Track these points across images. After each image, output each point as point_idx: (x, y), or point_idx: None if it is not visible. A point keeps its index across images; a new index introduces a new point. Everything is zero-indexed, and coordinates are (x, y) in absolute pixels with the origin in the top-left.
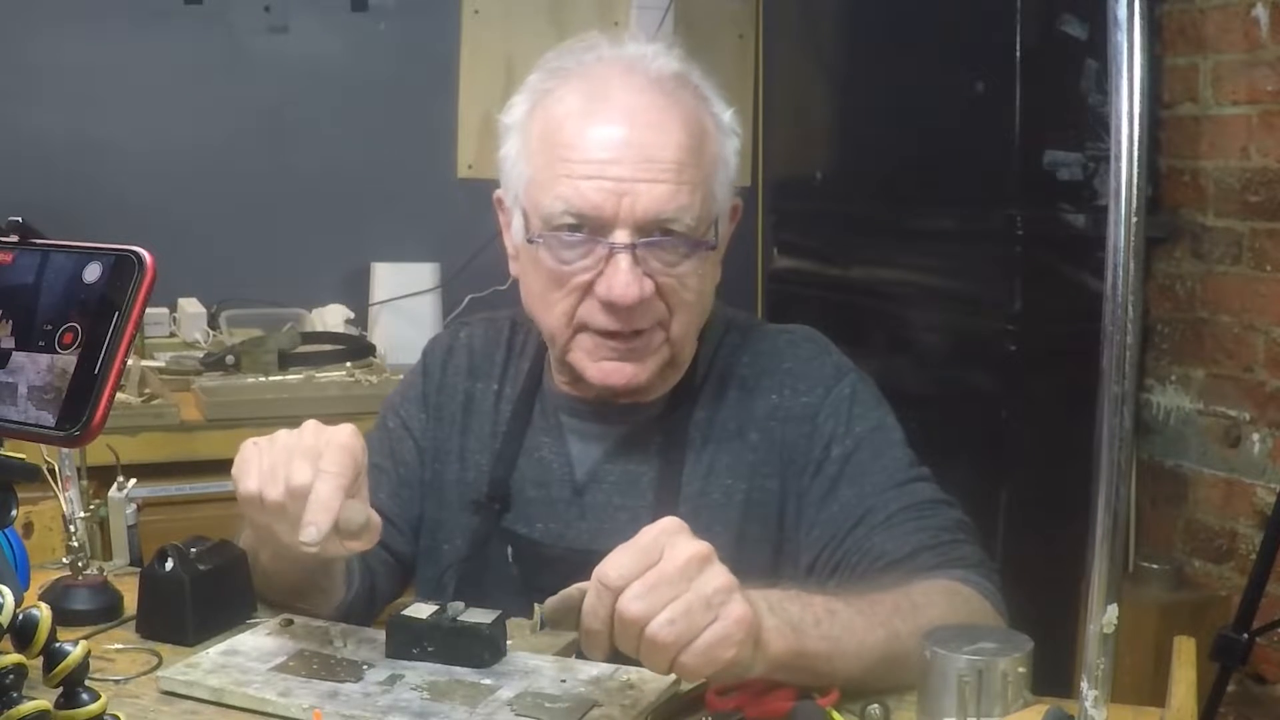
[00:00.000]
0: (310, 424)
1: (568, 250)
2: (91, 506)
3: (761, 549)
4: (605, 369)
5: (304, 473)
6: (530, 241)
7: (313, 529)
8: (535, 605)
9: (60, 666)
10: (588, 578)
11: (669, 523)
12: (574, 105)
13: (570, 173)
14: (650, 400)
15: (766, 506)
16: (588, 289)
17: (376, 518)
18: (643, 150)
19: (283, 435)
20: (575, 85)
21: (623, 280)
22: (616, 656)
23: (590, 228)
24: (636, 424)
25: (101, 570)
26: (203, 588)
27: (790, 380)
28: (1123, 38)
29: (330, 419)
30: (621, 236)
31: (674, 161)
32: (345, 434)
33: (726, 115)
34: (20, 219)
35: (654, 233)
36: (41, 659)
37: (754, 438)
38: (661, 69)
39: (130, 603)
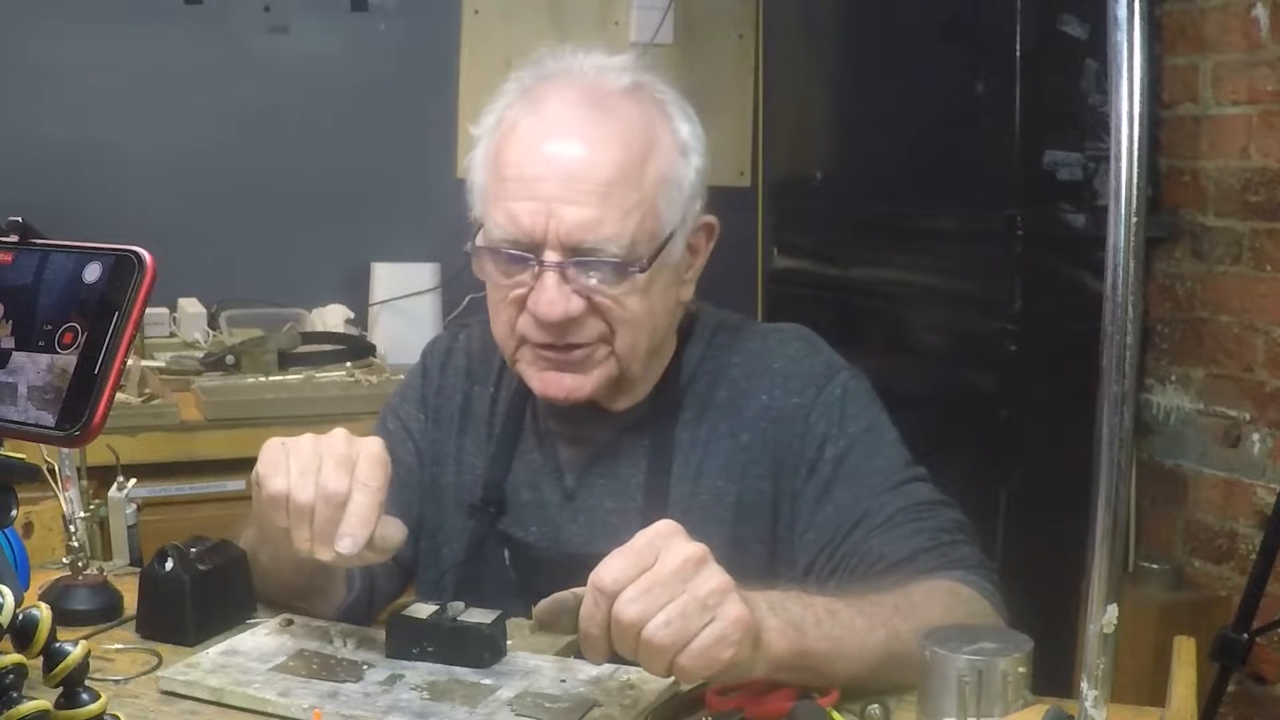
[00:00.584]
0: (340, 431)
1: (506, 264)
2: (91, 506)
3: (755, 550)
4: (546, 379)
5: (340, 480)
6: (467, 252)
7: (349, 540)
8: (534, 608)
9: (60, 666)
10: (583, 581)
11: (664, 525)
12: (517, 121)
13: (506, 193)
14: (634, 404)
15: (759, 508)
16: (523, 303)
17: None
18: (570, 168)
19: (310, 438)
20: (521, 101)
21: (548, 298)
22: (616, 658)
23: (523, 245)
24: (623, 427)
25: (101, 570)
26: (203, 588)
27: (781, 380)
28: (1123, 38)
29: (330, 419)
30: (551, 255)
31: (603, 182)
32: (376, 446)
33: (686, 131)
34: (20, 219)
35: (581, 254)
36: (41, 659)
37: (745, 438)
38: (608, 83)
39: (130, 603)
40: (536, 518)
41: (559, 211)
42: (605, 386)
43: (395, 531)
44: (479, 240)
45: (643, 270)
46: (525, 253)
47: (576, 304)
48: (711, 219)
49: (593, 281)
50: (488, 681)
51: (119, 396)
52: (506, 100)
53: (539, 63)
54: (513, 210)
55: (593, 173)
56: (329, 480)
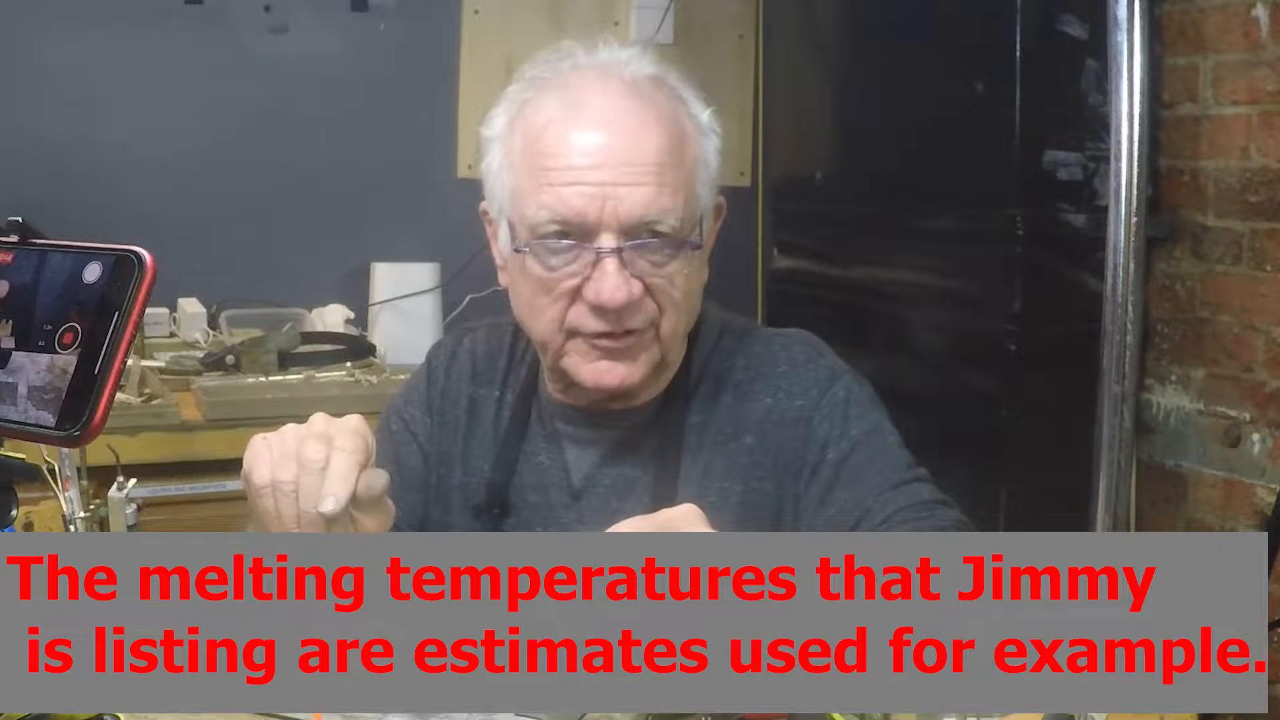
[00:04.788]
0: (318, 415)
1: (555, 257)
2: (91, 506)
3: None
4: (599, 369)
5: (318, 450)
6: (518, 251)
7: (331, 500)
8: None
9: None
10: None
11: (689, 507)
12: (552, 113)
13: (552, 180)
14: (642, 404)
15: (762, 509)
16: (576, 294)
17: (391, 505)
18: (623, 154)
19: (290, 427)
20: (552, 94)
21: (610, 284)
22: None
23: (575, 234)
24: (630, 428)
25: None
26: None
27: (785, 383)
28: (1123, 38)
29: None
30: (607, 240)
31: (655, 163)
32: (354, 420)
33: (705, 115)
34: (20, 219)
35: (639, 235)
36: None
37: (749, 440)
38: (636, 73)
39: None
40: (543, 519)
41: (616, 194)
42: (651, 373)
43: (376, 479)
44: (513, 244)
45: (697, 247)
46: (580, 242)
47: (637, 288)
48: (720, 199)
49: (646, 264)
50: None
51: (119, 396)
52: (523, 97)
53: (563, 55)
54: (563, 195)
55: (645, 156)
56: (306, 451)
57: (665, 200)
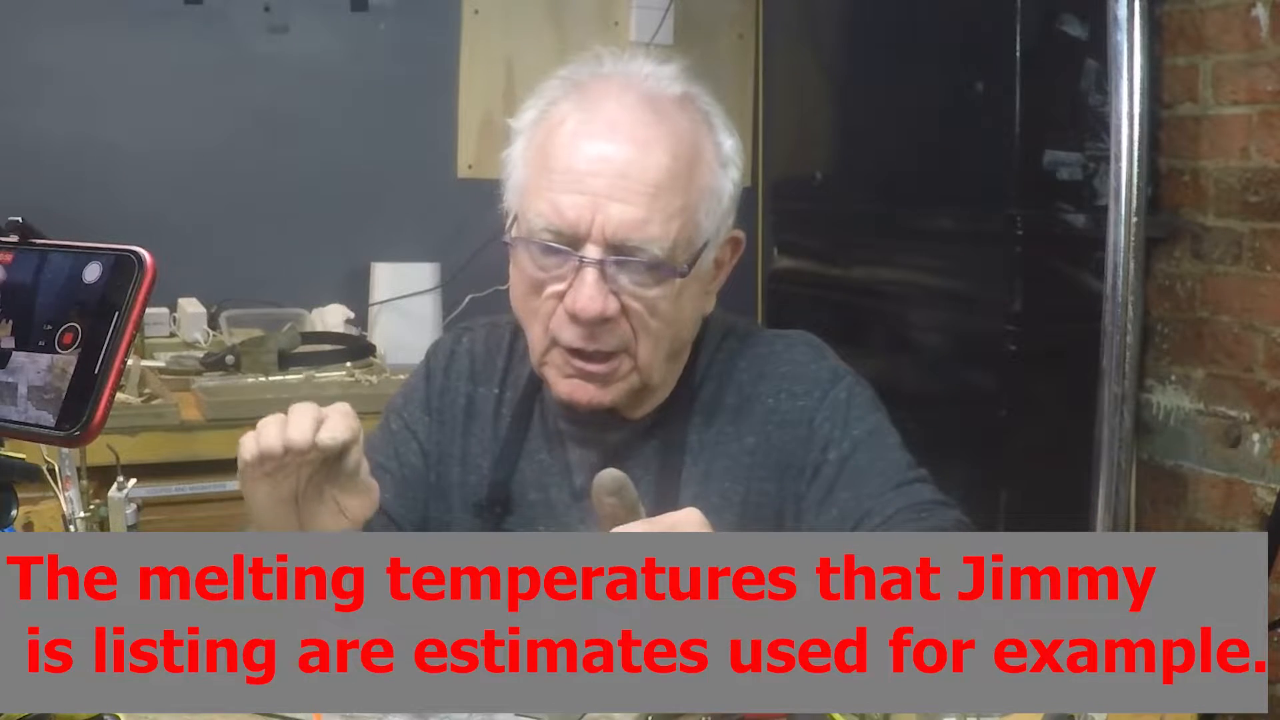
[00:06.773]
0: (304, 403)
1: (546, 257)
2: (91, 506)
3: None
4: (571, 385)
5: (303, 427)
6: (506, 244)
7: (326, 430)
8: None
9: None
10: None
11: (693, 512)
12: (567, 117)
13: (552, 185)
14: (649, 411)
15: (764, 510)
16: (560, 299)
17: (373, 482)
18: (622, 167)
19: (276, 415)
20: (574, 98)
21: (587, 294)
22: None
23: (565, 240)
24: (634, 430)
25: None
26: None
27: (786, 384)
28: (1123, 38)
29: None
30: (592, 251)
31: (652, 184)
32: (341, 405)
33: (729, 144)
34: (20, 219)
35: (624, 252)
36: None
37: (751, 441)
38: (662, 90)
39: None
40: (544, 518)
41: (606, 208)
42: (629, 397)
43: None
44: (514, 233)
45: (683, 275)
46: (565, 246)
47: (613, 304)
48: (739, 233)
49: (629, 283)
50: None
51: (119, 396)
52: (552, 95)
53: (596, 60)
54: (558, 202)
55: (644, 174)
56: (292, 427)
57: (654, 226)
